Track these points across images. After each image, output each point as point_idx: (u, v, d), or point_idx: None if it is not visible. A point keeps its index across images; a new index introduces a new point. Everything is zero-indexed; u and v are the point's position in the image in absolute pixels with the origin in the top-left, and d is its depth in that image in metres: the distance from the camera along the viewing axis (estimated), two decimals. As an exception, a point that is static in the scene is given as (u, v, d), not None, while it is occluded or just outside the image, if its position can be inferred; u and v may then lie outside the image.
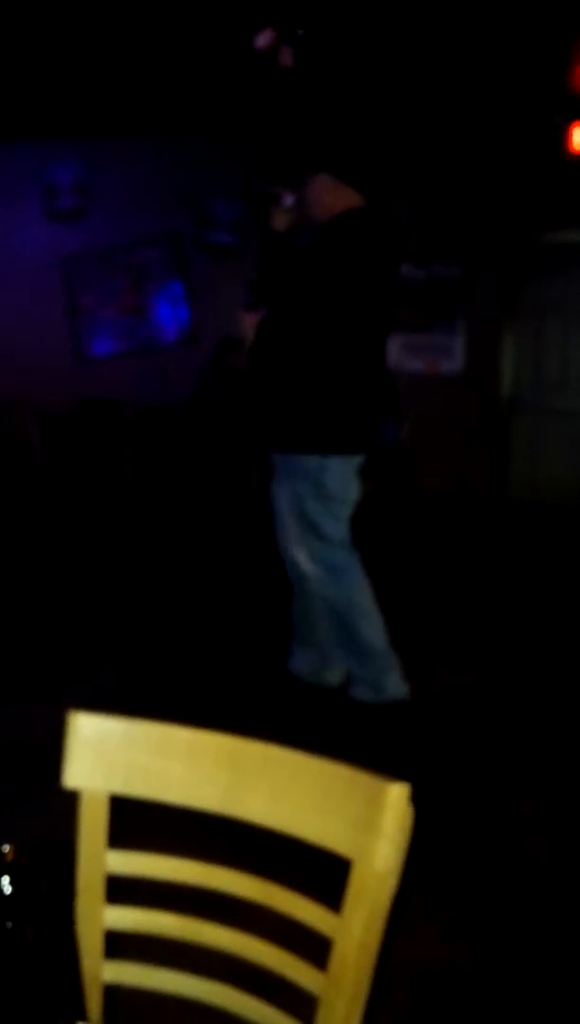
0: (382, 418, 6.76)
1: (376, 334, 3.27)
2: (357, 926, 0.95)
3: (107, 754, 1.08)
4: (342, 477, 3.20)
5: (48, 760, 1.22)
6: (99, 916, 1.09)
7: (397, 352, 7.75)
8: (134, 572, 5.55)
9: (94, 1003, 1.09)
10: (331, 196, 3.17)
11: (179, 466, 7.46)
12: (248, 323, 3.30)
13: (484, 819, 2.74)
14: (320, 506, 3.22)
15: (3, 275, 8.27)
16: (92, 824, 1.08)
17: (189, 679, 3.74)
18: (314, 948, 0.99)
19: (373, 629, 3.33)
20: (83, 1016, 0.60)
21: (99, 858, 1.08)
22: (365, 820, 0.95)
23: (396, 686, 3.36)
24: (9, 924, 0.50)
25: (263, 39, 4.89)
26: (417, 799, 0.95)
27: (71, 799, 1.09)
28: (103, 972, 1.09)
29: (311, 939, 0.99)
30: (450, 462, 7.69)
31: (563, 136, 6.65)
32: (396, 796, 0.93)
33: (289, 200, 3.24)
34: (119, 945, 1.11)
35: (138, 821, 1.25)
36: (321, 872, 1.11)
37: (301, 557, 3.33)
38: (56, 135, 7.80)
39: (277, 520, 3.37)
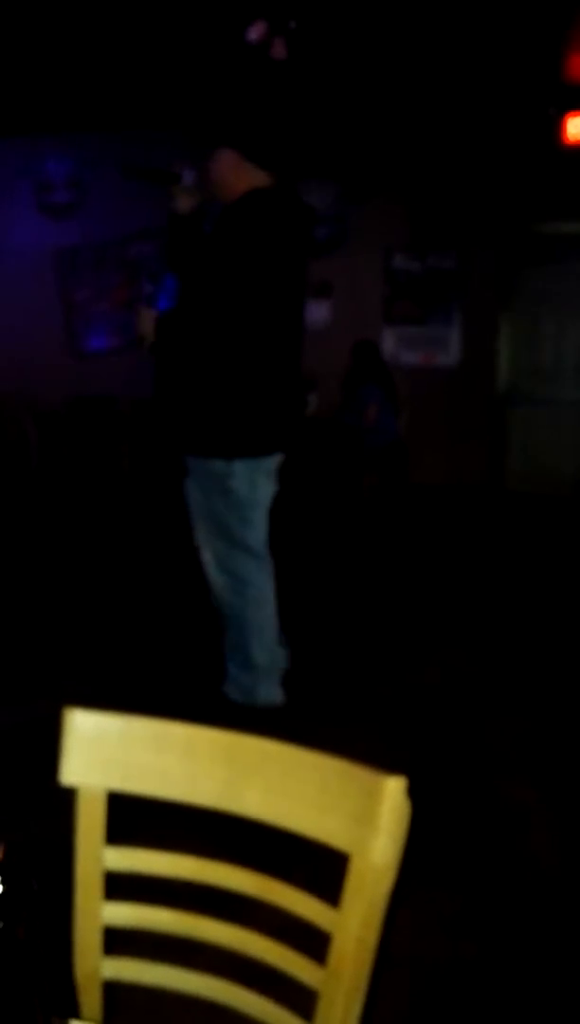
0: (382, 412, 6.76)
1: (285, 329, 3.02)
2: (356, 920, 0.95)
3: (104, 751, 1.08)
4: (249, 480, 3.00)
5: (45, 757, 1.22)
6: (98, 912, 1.08)
7: (393, 345, 7.76)
8: (131, 567, 5.54)
9: (93, 999, 1.09)
10: (233, 174, 2.92)
11: (175, 461, 7.44)
12: (147, 320, 3.08)
13: (485, 809, 2.74)
14: (228, 508, 3.05)
15: (-3, 271, 8.25)
16: (90, 821, 1.08)
17: (186, 672, 3.74)
18: (313, 943, 0.99)
19: (262, 646, 3.17)
20: (76, 1014, 0.60)
21: (97, 855, 1.08)
22: (362, 814, 0.94)
23: (269, 693, 3.21)
24: (0, 923, 0.49)
25: (255, 32, 4.88)
26: (417, 790, 0.95)
27: (68, 796, 1.09)
28: (102, 968, 1.09)
29: (310, 934, 0.99)
30: (447, 454, 7.70)
31: (558, 127, 6.64)
32: (393, 789, 0.93)
33: (189, 178, 2.96)
34: (118, 941, 1.11)
35: (136, 817, 1.25)
36: (319, 866, 1.10)
37: (207, 558, 3.20)
38: (49, 130, 7.78)
39: (191, 519, 3.22)
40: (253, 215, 2.86)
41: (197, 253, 2.90)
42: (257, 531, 3.10)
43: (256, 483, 3.03)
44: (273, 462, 3.08)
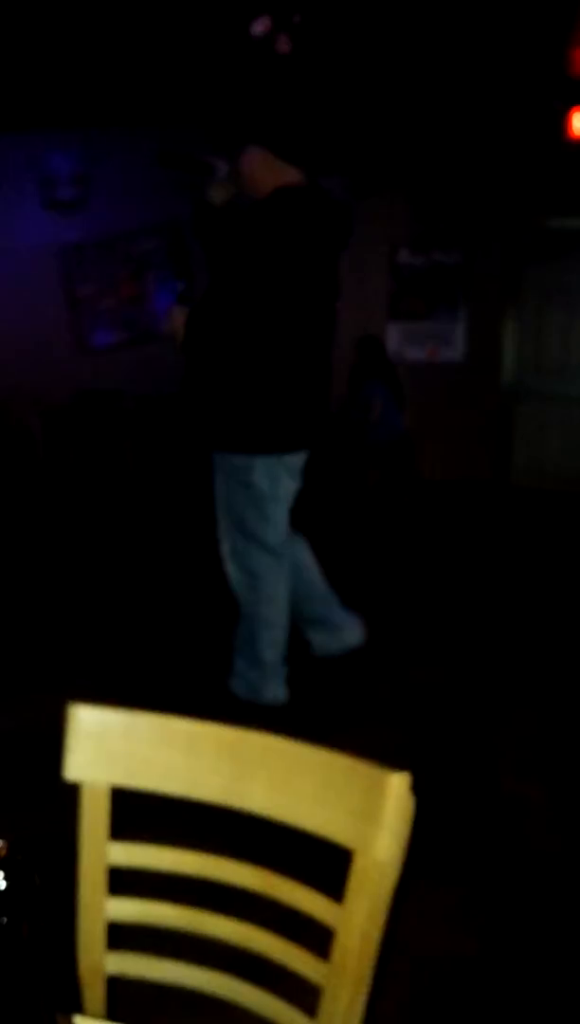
0: (387, 407, 6.76)
1: (311, 326, 3.02)
2: (359, 915, 0.95)
3: (108, 746, 1.08)
4: (270, 475, 3.02)
5: (49, 752, 1.22)
6: (101, 908, 1.09)
7: (399, 340, 7.74)
8: (136, 562, 5.55)
9: (97, 994, 1.09)
10: (263, 170, 2.93)
11: (180, 456, 7.45)
12: (177, 317, 3.06)
13: (488, 805, 2.74)
14: (247, 503, 3.07)
15: (2, 266, 8.25)
16: (93, 816, 1.08)
17: (191, 668, 3.74)
18: (316, 938, 0.99)
19: (271, 644, 3.22)
20: (79, 1009, 0.60)
21: (101, 850, 1.08)
22: (366, 810, 0.94)
23: (274, 692, 3.25)
24: (3, 920, 0.49)
25: (260, 26, 4.87)
26: (421, 785, 0.94)
27: (72, 792, 1.09)
28: (106, 963, 1.09)
29: (313, 929, 0.99)
30: (452, 450, 7.69)
31: (563, 121, 6.61)
32: (397, 785, 0.93)
33: (222, 171, 2.99)
34: (122, 937, 1.11)
35: (139, 813, 1.25)
36: (323, 862, 1.11)
37: (225, 552, 3.21)
38: (54, 125, 7.77)
39: (216, 513, 3.24)
40: (282, 212, 2.85)
41: (226, 247, 2.90)
42: (275, 528, 3.12)
43: (277, 479, 3.05)
44: (296, 459, 3.10)
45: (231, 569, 3.22)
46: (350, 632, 3.53)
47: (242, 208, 2.96)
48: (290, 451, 3.05)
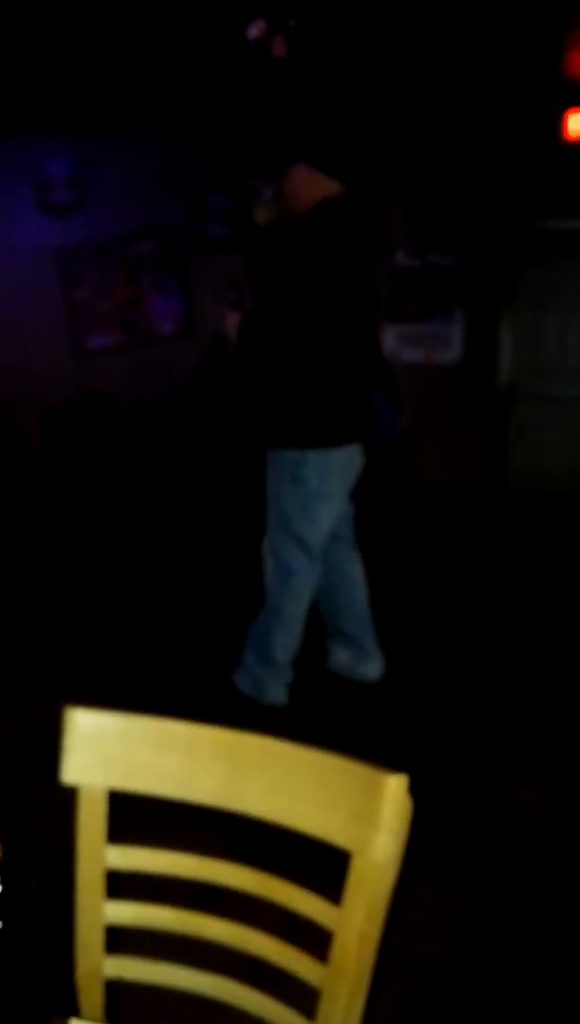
0: (384, 409, 6.78)
1: (358, 326, 3.19)
2: (357, 917, 0.95)
3: (105, 749, 1.08)
4: (320, 471, 3.13)
5: (46, 756, 1.22)
6: (99, 911, 1.08)
7: (395, 342, 7.74)
8: (133, 565, 5.54)
9: (95, 997, 1.09)
10: (308, 186, 3.09)
11: (177, 459, 7.45)
12: (231, 321, 3.23)
13: (486, 806, 2.74)
14: (294, 499, 3.16)
15: (-1, 270, 8.25)
16: (91, 819, 1.08)
17: (189, 672, 3.74)
18: (315, 940, 0.99)
19: (284, 642, 3.27)
20: (76, 1013, 0.60)
21: (99, 853, 1.08)
22: (364, 812, 0.94)
23: (276, 694, 3.30)
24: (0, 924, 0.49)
25: (256, 30, 4.87)
26: (419, 786, 0.94)
27: (69, 795, 1.09)
28: (104, 966, 1.09)
29: (312, 931, 0.99)
30: (449, 451, 7.68)
31: (559, 123, 6.62)
32: (394, 787, 0.93)
33: (268, 193, 3.17)
34: (120, 939, 1.11)
35: (137, 816, 1.25)
36: (321, 864, 1.10)
37: (265, 547, 3.29)
38: (49, 129, 7.77)
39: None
40: (331, 222, 3.02)
41: (273, 262, 3.08)
42: (317, 528, 3.22)
43: (326, 476, 3.16)
44: (345, 456, 3.21)
45: (267, 559, 3.30)
46: (372, 665, 3.54)
47: (281, 227, 3.14)
48: (339, 444, 3.17)
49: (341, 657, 3.56)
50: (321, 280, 3.02)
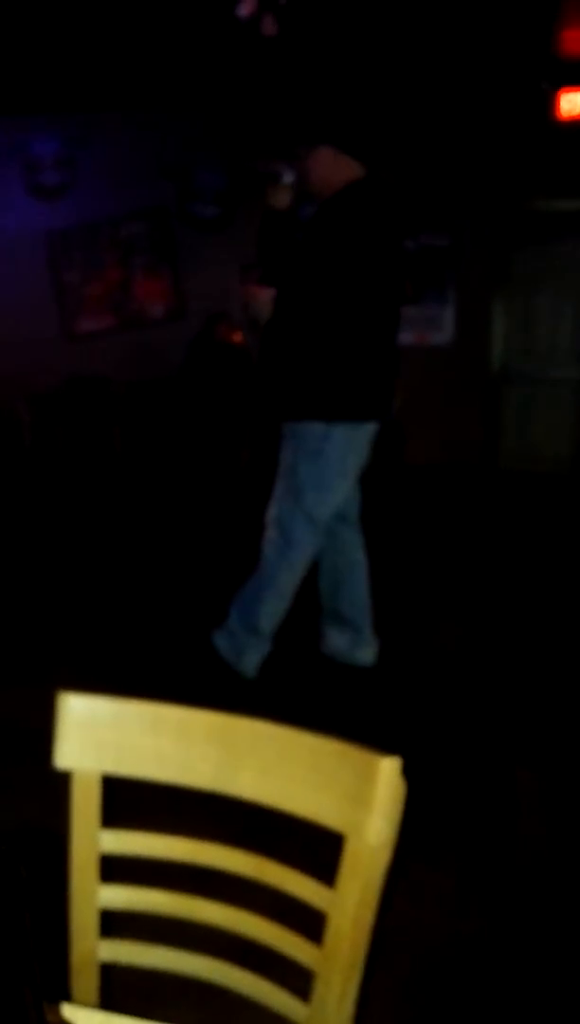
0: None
1: (388, 306, 3.25)
2: (351, 900, 0.95)
3: (98, 734, 1.07)
4: (342, 447, 3.18)
5: (38, 742, 1.22)
6: (94, 895, 1.08)
7: (386, 324, 7.71)
8: (125, 549, 5.53)
9: (90, 982, 1.09)
10: (332, 169, 3.13)
11: (169, 441, 7.43)
12: (264, 298, 3.25)
13: (480, 789, 2.75)
14: (311, 471, 3.19)
15: (-13, 252, 8.19)
16: (84, 804, 1.08)
17: (181, 656, 3.74)
18: (309, 923, 0.99)
19: (272, 612, 3.31)
20: (67, 998, 0.60)
21: (92, 838, 1.08)
22: (357, 794, 0.94)
23: (250, 663, 3.36)
24: (-10, 910, 0.49)
25: (246, 8, 4.83)
26: (415, 767, 0.94)
27: (62, 780, 1.08)
28: (99, 951, 1.09)
29: (306, 914, 0.99)
30: (441, 434, 7.68)
31: (551, 103, 6.58)
32: (388, 769, 0.93)
33: (289, 177, 3.17)
34: (114, 924, 1.11)
35: (130, 800, 1.24)
36: (314, 847, 1.10)
37: (269, 518, 3.31)
38: (37, 110, 7.70)
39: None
40: (360, 204, 3.07)
41: (297, 244, 3.09)
42: (328, 503, 3.25)
43: (346, 453, 3.21)
44: (366, 433, 3.26)
45: (269, 527, 3.31)
46: (366, 650, 3.56)
47: (304, 209, 3.20)
48: (365, 420, 3.22)
49: (336, 641, 3.56)
50: (358, 260, 3.05)
